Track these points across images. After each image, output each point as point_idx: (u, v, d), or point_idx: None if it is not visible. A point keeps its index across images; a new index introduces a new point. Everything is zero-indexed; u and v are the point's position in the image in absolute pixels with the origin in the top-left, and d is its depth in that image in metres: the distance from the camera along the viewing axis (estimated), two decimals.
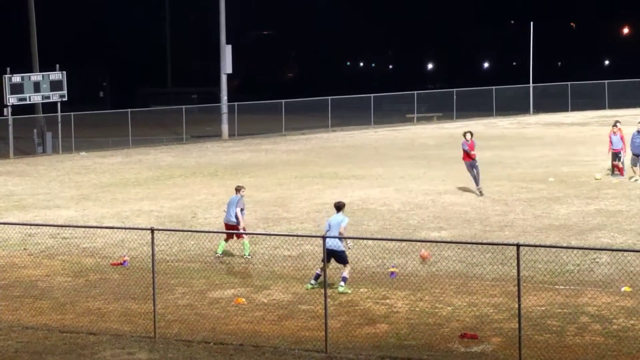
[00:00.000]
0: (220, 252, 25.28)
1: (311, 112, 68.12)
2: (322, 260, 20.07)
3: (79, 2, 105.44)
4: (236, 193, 25.47)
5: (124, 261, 24.90)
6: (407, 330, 18.79)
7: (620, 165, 36.98)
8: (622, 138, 36.86)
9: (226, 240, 25.31)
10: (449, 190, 35.27)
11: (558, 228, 28.29)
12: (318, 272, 21.62)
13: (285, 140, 59.31)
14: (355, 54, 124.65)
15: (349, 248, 21.94)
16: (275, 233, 27.75)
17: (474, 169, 34.35)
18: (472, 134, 34.66)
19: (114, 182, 41.20)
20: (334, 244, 21.17)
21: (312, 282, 21.88)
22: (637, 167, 36.03)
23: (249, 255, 25.11)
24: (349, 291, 21.52)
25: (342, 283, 21.59)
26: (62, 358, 17.74)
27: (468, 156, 34.40)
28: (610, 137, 37.25)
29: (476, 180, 34.37)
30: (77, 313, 20.58)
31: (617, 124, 37.59)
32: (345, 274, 21.58)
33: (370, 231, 28.64)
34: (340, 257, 21.46)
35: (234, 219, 25.00)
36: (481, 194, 34.01)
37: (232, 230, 24.83)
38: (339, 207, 22.02)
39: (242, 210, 25.14)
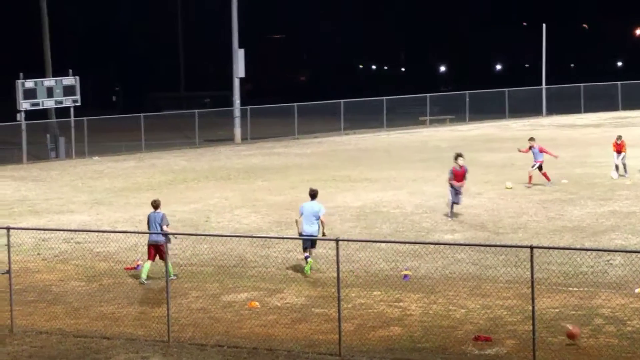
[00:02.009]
0: (145, 278, 23.35)
1: (324, 116, 68.09)
2: (304, 248, 23.76)
3: (92, 8, 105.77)
4: (155, 210, 23.85)
5: (138, 265, 24.88)
6: (421, 333, 18.77)
7: (531, 174, 36.61)
8: (540, 149, 36.64)
9: (153, 259, 23.47)
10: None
11: (571, 230, 28.22)
12: (307, 255, 23.77)
13: (298, 144, 59.31)
14: (367, 57, 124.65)
15: (324, 235, 23.60)
16: (289, 236, 27.71)
17: (458, 196, 30.65)
18: (463, 158, 31.08)
19: (127, 186, 41.26)
20: (313, 230, 23.46)
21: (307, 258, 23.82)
22: None
23: (174, 276, 23.19)
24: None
25: (307, 262, 23.69)
26: None
27: (457, 180, 30.56)
28: (532, 152, 36.88)
29: (452, 206, 30.72)
30: (91, 317, 20.61)
31: (533, 139, 37.26)
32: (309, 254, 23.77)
33: (383, 234, 28.62)
34: (314, 242, 23.71)
35: (161, 238, 22.93)
36: (451, 216, 30.67)
37: (158, 250, 23.15)
38: (314, 194, 23.76)
39: (167, 226, 23.78)
